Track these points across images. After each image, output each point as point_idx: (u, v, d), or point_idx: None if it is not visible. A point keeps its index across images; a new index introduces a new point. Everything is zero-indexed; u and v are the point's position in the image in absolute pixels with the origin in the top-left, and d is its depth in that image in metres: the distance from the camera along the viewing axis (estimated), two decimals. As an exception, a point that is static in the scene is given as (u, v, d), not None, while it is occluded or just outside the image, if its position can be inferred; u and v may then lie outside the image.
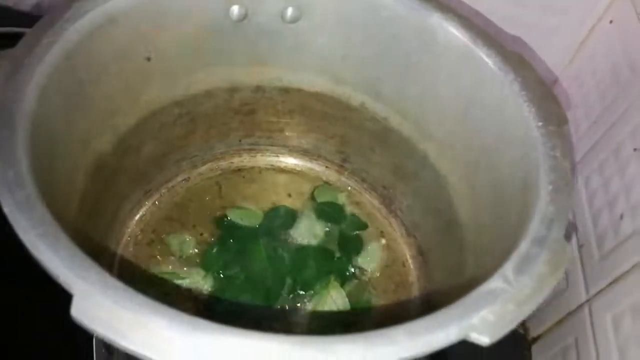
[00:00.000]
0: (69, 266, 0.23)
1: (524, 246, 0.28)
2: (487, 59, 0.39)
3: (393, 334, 0.23)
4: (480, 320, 0.24)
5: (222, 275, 0.50)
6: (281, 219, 0.55)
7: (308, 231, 0.54)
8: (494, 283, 0.26)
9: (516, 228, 0.31)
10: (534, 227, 0.29)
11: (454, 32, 0.41)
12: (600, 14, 0.56)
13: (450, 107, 0.44)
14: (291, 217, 0.55)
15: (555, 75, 0.63)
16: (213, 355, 0.22)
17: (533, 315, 0.54)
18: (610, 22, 0.55)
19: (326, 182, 0.59)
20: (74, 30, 0.35)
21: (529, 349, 0.55)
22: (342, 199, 0.58)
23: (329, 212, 0.56)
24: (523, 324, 0.57)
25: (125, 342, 0.21)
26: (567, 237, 0.28)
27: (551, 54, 0.60)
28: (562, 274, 0.27)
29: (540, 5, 0.56)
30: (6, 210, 0.24)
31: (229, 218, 0.54)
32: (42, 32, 0.33)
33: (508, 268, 0.27)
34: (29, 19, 0.48)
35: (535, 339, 0.55)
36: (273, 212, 0.55)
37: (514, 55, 0.38)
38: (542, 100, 0.36)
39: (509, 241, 0.30)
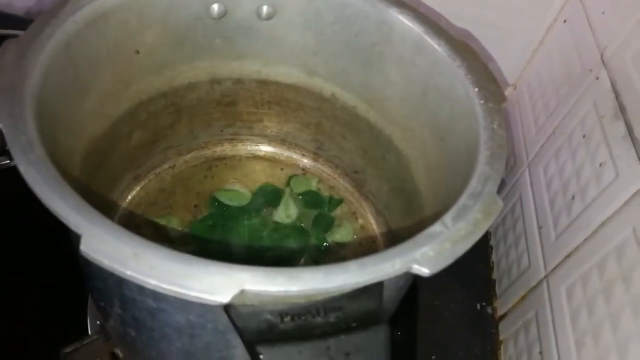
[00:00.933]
0: (77, 212, 0.27)
1: (462, 199, 0.33)
2: (438, 48, 0.44)
3: (347, 265, 0.28)
4: (422, 255, 0.29)
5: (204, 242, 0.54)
6: (269, 195, 0.60)
7: (285, 213, 0.59)
8: (435, 227, 0.31)
9: (460, 188, 0.36)
10: (472, 184, 0.34)
11: (409, 25, 0.46)
12: (555, 15, 0.62)
13: (410, 93, 0.49)
14: (277, 194, 0.61)
15: (517, 73, 0.67)
16: (197, 281, 0.26)
17: (500, 295, 0.59)
18: (564, 21, 0.61)
19: (302, 169, 0.64)
20: (72, 22, 0.39)
21: (497, 327, 0.60)
22: (314, 184, 0.63)
23: (307, 199, 0.61)
24: (491, 304, 0.61)
25: (124, 268, 0.26)
26: (499, 191, 0.33)
27: (513, 53, 0.65)
28: (493, 219, 0.32)
29: (501, 7, 0.61)
30: (21, 168, 0.28)
31: (220, 199, 0.58)
32: (46, 22, 0.37)
33: (447, 216, 0.32)
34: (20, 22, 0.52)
35: (502, 317, 0.60)
36: (261, 189, 0.60)
37: (461, 44, 0.44)
38: (484, 82, 0.41)
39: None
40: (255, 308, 0.27)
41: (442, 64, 0.44)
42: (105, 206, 0.53)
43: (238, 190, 0.59)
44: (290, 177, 0.63)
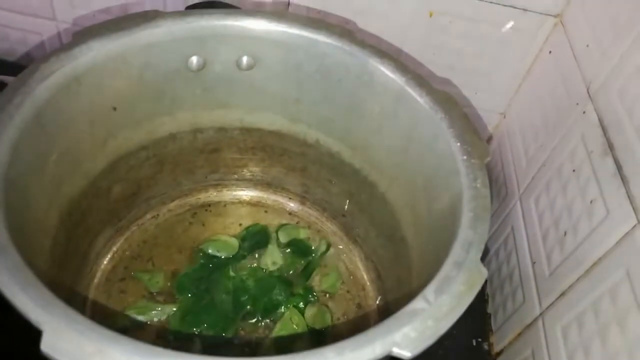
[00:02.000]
0: (39, 305, 0.26)
1: (444, 269, 0.32)
2: (419, 99, 0.44)
3: (324, 352, 0.27)
4: (402, 336, 0.28)
5: (189, 296, 0.53)
6: (257, 236, 0.59)
7: (270, 260, 0.58)
8: (416, 303, 0.30)
9: (444, 250, 0.35)
10: (455, 251, 0.33)
11: (390, 75, 0.45)
12: (540, 45, 0.61)
13: (393, 143, 0.48)
14: (265, 234, 0.60)
15: (506, 102, 0.67)
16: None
17: (496, 331, 0.58)
18: (550, 52, 0.60)
19: (289, 213, 0.63)
20: (43, 89, 0.38)
21: (494, 364, 0.58)
22: (302, 234, 0.61)
23: (294, 248, 0.60)
24: (487, 340, 0.60)
25: (88, 370, 0.24)
26: (483, 258, 0.32)
27: (502, 82, 0.65)
28: (477, 291, 0.31)
29: (487, 36, 0.61)
30: (-20, 258, 0.27)
31: (207, 251, 0.57)
32: (14, 91, 0.37)
33: (429, 289, 0.31)
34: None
35: (498, 354, 0.58)
36: (248, 231, 0.60)
37: (442, 94, 0.43)
38: (466, 135, 0.40)
39: (439, 263, 0.34)
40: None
41: (424, 115, 0.44)
42: (85, 264, 0.52)
43: (225, 240, 0.58)
44: (278, 227, 0.61)
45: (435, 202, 0.43)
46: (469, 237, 0.34)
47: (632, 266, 0.38)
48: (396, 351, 0.27)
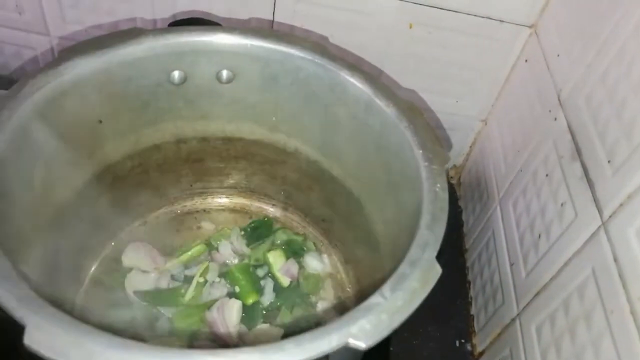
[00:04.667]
0: (22, 303, 0.29)
1: (401, 267, 0.34)
2: (386, 109, 0.46)
3: (284, 345, 0.29)
4: (358, 328, 0.30)
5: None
6: (262, 227, 0.63)
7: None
8: (373, 299, 0.32)
9: (405, 249, 0.37)
10: (412, 251, 0.35)
11: (360, 87, 0.48)
12: (518, 53, 0.63)
13: (365, 150, 0.51)
14: (270, 225, 0.63)
15: (487, 110, 0.69)
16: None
17: (479, 331, 0.60)
18: (526, 61, 0.63)
19: (271, 218, 0.66)
20: (30, 103, 0.41)
21: (476, 365, 0.59)
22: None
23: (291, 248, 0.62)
24: (470, 341, 0.62)
25: (64, 358, 0.27)
26: (438, 256, 0.35)
27: (483, 89, 0.67)
28: (431, 287, 0.33)
29: (467, 45, 0.63)
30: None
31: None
32: (2, 106, 0.39)
33: (386, 286, 0.33)
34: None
35: (481, 354, 0.60)
36: (254, 224, 0.63)
37: (407, 104, 0.46)
38: (428, 143, 0.43)
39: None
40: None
41: (390, 124, 0.46)
42: (75, 270, 0.54)
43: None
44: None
45: (401, 205, 0.45)
46: (424, 237, 0.36)
47: (597, 264, 0.40)
48: (352, 342, 0.30)
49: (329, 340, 0.30)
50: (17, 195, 0.39)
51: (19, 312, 0.28)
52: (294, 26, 0.63)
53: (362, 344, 0.30)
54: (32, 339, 0.27)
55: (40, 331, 0.28)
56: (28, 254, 0.42)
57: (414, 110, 0.45)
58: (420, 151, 0.42)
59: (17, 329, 0.32)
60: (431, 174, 0.40)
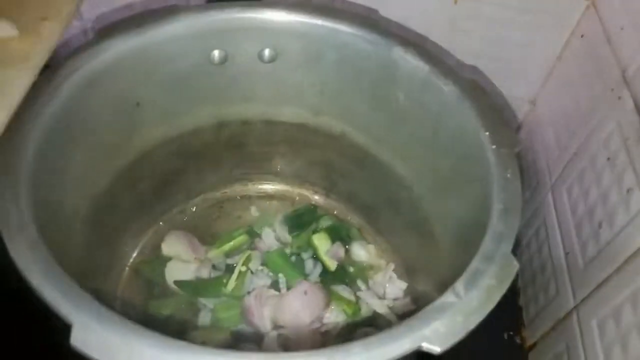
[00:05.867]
0: (68, 300, 0.26)
1: (474, 262, 0.31)
2: (445, 87, 0.43)
3: (351, 348, 0.26)
4: (432, 331, 0.27)
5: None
6: (306, 214, 0.60)
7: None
8: (446, 297, 0.29)
9: (474, 243, 0.34)
10: (485, 244, 0.32)
11: (415, 63, 0.44)
12: (572, 29, 0.59)
13: (419, 133, 0.47)
14: (314, 212, 0.61)
15: (535, 90, 0.65)
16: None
17: (529, 324, 0.57)
18: (582, 36, 0.58)
19: (314, 205, 0.63)
20: (67, 86, 0.39)
21: (527, 357, 0.57)
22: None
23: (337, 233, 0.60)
24: (519, 333, 0.59)
25: (116, 364, 0.24)
26: (514, 250, 0.31)
27: (531, 69, 0.63)
28: (508, 285, 0.30)
29: (516, 22, 0.59)
30: (12, 253, 0.28)
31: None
32: (40, 90, 0.37)
33: (459, 283, 0.30)
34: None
35: (531, 347, 0.57)
36: (298, 211, 0.61)
37: (470, 83, 0.42)
38: (495, 125, 0.39)
39: (471, 254, 0.33)
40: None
41: (451, 104, 0.43)
42: (114, 258, 0.53)
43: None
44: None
45: (464, 193, 0.42)
46: (499, 229, 0.33)
47: (672, 257, 0.36)
48: (426, 346, 0.27)
49: (401, 344, 0.27)
50: (56, 181, 0.37)
51: (65, 309, 0.26)
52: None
53: (436, 348, 0.27)
54: (79, 340, 0.25)
55: (88, 331, 0.26)
56: (69, 245, 0.40)
57: (477, 89, 0.41)
58: (487, 133, 0.39)
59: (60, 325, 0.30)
60: (500, 159, 0.37)
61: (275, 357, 0.26)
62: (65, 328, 0.26)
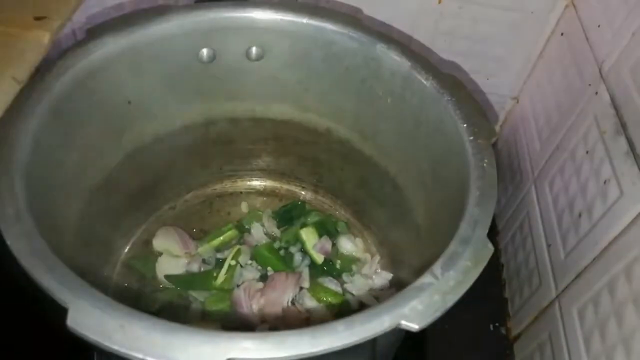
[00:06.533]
0: (64, 284, 0.28)
1: (451, 246, 0.33)
2: (425, 82, 0.44)
3: (334, 326, 0.28)
4: (410, 309, 0.29)
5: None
6: (294, 210, 0.62)
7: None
8: (424, 279, 0.31)
9: (452, 228, 0.35)
10: (462, 229, 0.34)
11: (397, 60, 0.46)
12: (552, 27, 0.61)
13: (402, 127, 0.49)
14: (303, 208, 0.63)
15: (518, 87, 0.67)
16: (184, 352, 0.26)
17: (514, 315, 0.58)
18: (562, 34, 0.60)
19: (302, 201, 0.64)
20: (59, 85, 0.40)
21: (511, 348, 0.58)
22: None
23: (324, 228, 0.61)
24: (505, 324, 0.60)
25: (110, 342, 0.26)
26: (493, 236, 0.33)
27: (514, 66, 0.65)
28: (483, 266, 0.31)
29: (498, 21, 0.61)
30: (8, 241, 0.29)
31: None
32: (33, 88, 0.38)
33: (437, 265, 0.31)
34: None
35: (516, 338, 0.59)
36: (286, 207, 0.62)
37: (449, 77, 0.44)
38: (473, 116, 0.41)
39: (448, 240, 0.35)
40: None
41: (431, 98, 0.44)
42: (106, 253, 0.54)
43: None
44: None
45: (444, 183, 0.43)
46: (475, 214, 0.34)
47: (647, 244, 0.38)
48: (404, 323, 0.28)
49: (381, 321, 0.28)
50: (50, 176, 0.38)
51: (60, 293, 0.27)
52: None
53: (414, 326, 0.29)
54: (75, 321, 0.26)
55: (83, 313, 0.27)
56: (62, 242, 0.41)
57: (456, 83, 0.43)
58: (465, 125, 0.40)
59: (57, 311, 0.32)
60: (478, 149, 0.38)
61: (263, 336, 0.27)
62: (60, 312, 0.28)
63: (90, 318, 0.27)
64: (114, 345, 0.26)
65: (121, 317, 0.27)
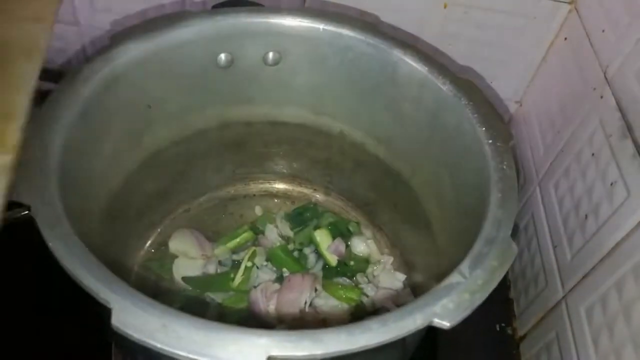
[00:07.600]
0: (106, 285, 0.28)
1: (477, 246, 0.34)
2: (442, 87, 0.45)
3: (369, 324, 0.29)
4: (441, 308, 0.30)
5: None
6: (307, 211, 0.62)
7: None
8: (453, 278, 0.32)
9: (473, 230, 0.36)
10: (486, 229, 0.35)
11: (413, 65, 0.47)
12: (556, 32, 0.62)
13: (417, 131, 0.50)
14: (316, 210, 0.63)
15: (522, 91, 0.68)
16: (224, 350, 0.27)
17: (519, 315, 0.59)
18: (565, 39, 0.61)
19: (315, 203, 0.65)
20: (87, 89, 0.41)
21: (518, 348, 0.59)
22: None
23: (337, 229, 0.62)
24: (511, 324, 0.61)
25: (154, 341, 0.26)
26: (513, 234, 0.34)
27: (517, 70, 0.66)
28: (509, 266, 0.32)
29: (501, 25, 0.62)
30: (50, 244, 0.30)
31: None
32: (63, 92, 0.39)
33: (464, 265, 0.32)
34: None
35: (522, 338, 0.59)
36: (299, 209, 0.63)
37: (465, 82, 0.45)
38: (490, 120, 0.42)
39: (470, 241, 0.36)
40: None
41: (447, 102, 0.45)
42: (124, 257, 0.55)
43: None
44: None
45: (460, 185, 0.44)
46: (498, 215, 0.35)
47: (655, 245, 0.38)
48: (436, 321, 0.29)
49: (414, 319, 0.29)
50: (79, 182, 0.39)
51: (103, 293, 0.28)
52: (326, 1, 0.62)
53: (446, 323, 0.29)
54: (120, 321, 0.27)
55: (126, 313, 0.28)
56: (89, 244, 0.41)
57: (473, 88, 0.44)
58: (483, 128, 0.41)
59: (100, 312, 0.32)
60: (497, 152, 0.39)
61: (300, 333, 0.28)
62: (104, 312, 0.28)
63: (134, 318, 0.28)
64: (158, 343, 0.27)
65: (163, 316, 0.28)
